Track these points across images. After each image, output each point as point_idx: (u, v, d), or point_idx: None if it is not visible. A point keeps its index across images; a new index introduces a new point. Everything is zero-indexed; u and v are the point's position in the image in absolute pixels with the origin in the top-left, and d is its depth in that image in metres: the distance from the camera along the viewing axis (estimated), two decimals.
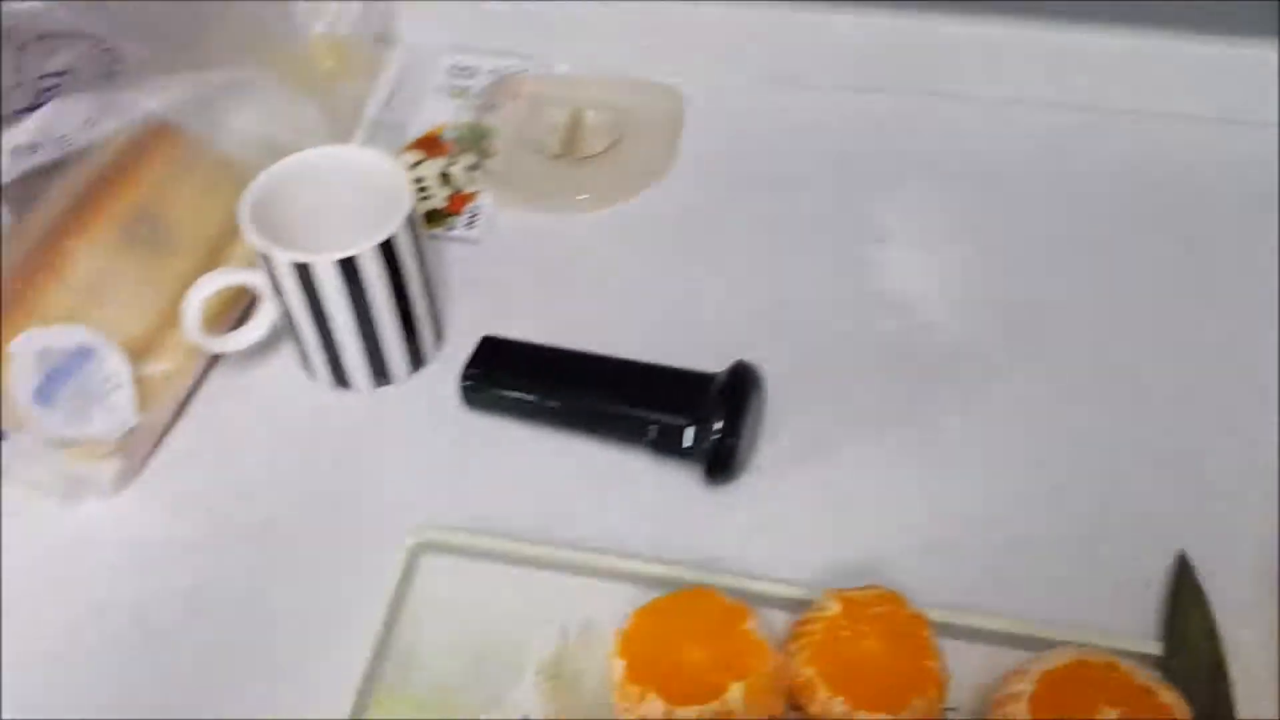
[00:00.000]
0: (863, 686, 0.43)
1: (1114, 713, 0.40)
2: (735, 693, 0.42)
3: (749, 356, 0.56)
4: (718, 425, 0.51)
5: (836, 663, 0.43)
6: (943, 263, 0.61)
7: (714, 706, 0.42)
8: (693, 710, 0.42)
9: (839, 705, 0.42)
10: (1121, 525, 0.51)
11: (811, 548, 0.51)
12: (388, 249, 0.53)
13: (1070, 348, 0.57)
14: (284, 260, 0.52)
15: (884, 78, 0.68)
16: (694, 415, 0.51)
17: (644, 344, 0.58)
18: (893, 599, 0.45)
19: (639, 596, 0.48)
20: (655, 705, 0.42)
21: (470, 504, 0.54)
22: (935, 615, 0.47)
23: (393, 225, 0.53)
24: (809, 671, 0.44)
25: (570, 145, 0.68)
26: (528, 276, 0.63)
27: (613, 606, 0.48)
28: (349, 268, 0.52)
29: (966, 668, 0.45)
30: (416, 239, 0.55)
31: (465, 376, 0.56)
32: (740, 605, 0.45)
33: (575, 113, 0.70)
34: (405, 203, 0.54)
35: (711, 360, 0.54)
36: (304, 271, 0.52)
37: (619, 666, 0.44)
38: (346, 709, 0.46)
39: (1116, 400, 0.55)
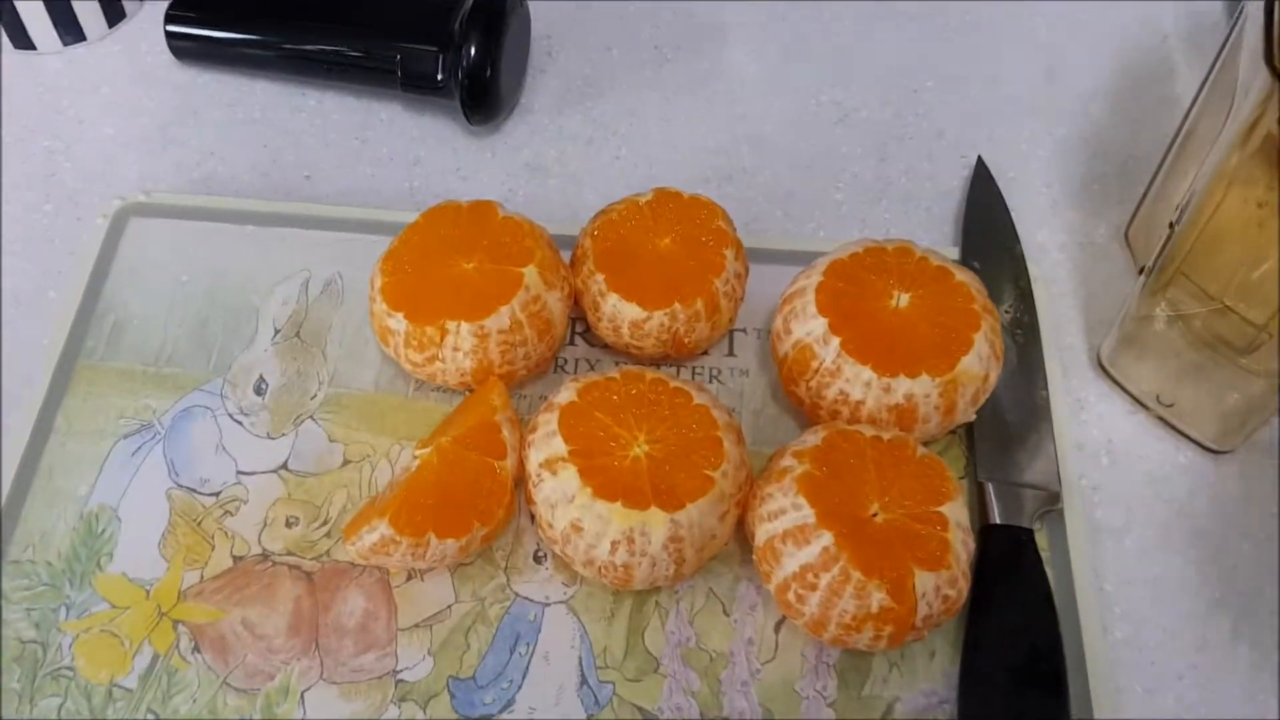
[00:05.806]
0: (640, 284, 0.38)
1: (906, 296, 0.36)
2: (531, 275, 0.37)
3: None
4: (471, 51, 0.44)
5: (619, 258, 0.38)
6: None
7: (518, 298, 0.37)
8: (503, 317, 0.37)
9: (613, 301, 0.38)
10: (917, 139, 0.47)
11: (590, 188, 0.46)
12: None
13: None
14: None
15: None
16: (443, 42, 0.44)
17: None
18: (695, 202, 0.39)
19: None
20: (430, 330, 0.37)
21: (192, 168, 0.46)
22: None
23: None
24: (594, 272, 0.38)
25: None
26: None
27: (363, 260, 0.41)
28: None
29: (772, 289, 0.41)
30: None
31: (169, 20, 0.46)
32: (492, 203, 0.39)
33: None
34: None
35: None
36: None
37: (377, 288, 0.37)
38: (43, 386, 0.39)
39: (911, 22, 0.50)
